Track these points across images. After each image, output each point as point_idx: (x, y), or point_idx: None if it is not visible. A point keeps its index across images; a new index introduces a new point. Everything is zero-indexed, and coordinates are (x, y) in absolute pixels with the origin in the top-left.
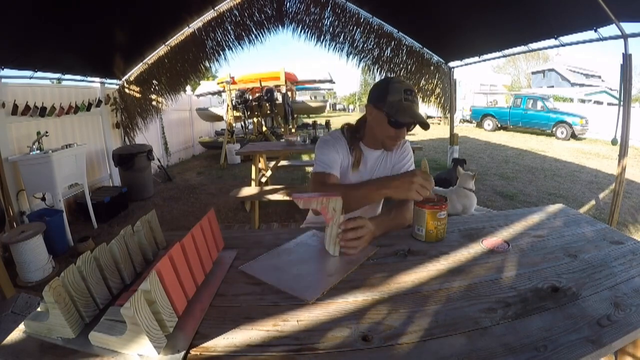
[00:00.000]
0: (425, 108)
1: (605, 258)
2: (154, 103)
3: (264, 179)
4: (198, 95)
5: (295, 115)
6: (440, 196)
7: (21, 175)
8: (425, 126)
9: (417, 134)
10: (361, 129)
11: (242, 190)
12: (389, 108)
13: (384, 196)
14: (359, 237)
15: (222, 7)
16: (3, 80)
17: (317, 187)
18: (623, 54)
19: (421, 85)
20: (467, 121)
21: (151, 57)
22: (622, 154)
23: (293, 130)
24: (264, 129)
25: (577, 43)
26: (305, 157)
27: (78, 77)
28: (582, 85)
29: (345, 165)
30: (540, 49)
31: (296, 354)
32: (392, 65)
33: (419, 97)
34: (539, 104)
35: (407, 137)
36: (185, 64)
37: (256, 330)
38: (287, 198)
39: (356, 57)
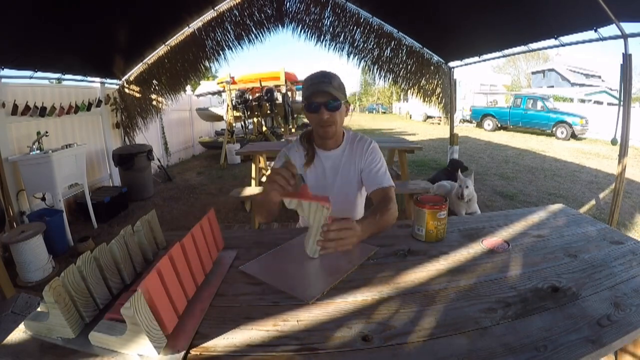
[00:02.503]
0: (426, 108)
1: (605, 258)
2: (154, 103)
3: (264, 178)
4: (198, 95)
5: (295, 115)
6: (440, 196)
7: (21, 175)
8: (331, 103)
9: (418, 134)
10: (312, 135)
11: (242, 190)
12: (303, 100)
13: (266, 196)
14: (341, 239)
15: (222, 6)
16: (3, 80)
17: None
18: (623, 54)
19: (421, 85)
20: (467, 121)
21: (151, 57)
22: (622, 154)
23: (293, 130)
24: (264, 129)
25: (577, 43)
26: None
27: (78, 77)
28: (582, 85)
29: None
30: (540, 49)
31: (296, 354)
32: (392, 65)
33: (335, 79)
34: (539, 104)
35: (408, 137)
36: (185, 64)
37: (256, 330)
38: (286, 198)
39: (356, 56)
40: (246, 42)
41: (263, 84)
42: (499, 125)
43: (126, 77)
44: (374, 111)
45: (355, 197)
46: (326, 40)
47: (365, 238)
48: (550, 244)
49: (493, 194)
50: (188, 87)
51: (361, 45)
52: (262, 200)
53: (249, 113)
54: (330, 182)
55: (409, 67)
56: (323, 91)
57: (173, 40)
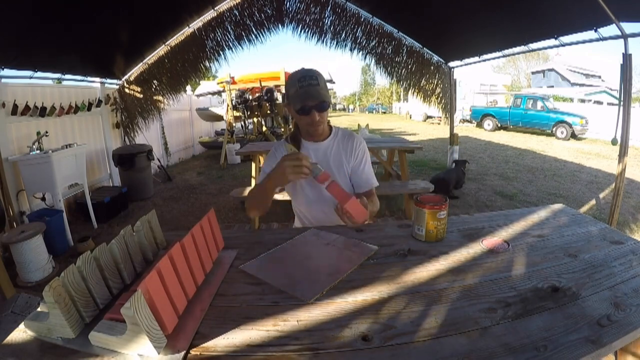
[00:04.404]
0: (426, 108)
1: (605, 258)
2: (154, 103)
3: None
4: (198, 95)
5: None
6: (440, 196)
7: (21, 175)
8: (322, 105)
9: (418, 134)
10: (298, 130)
11: (243, 190)
12: (292, 101)
13: (275, 185)
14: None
15: (222, 6)
16: (3, 80)
17: (251, 194)
18: (623, 54)
19: (421, 85)
20: (467, 121)
21: (151, 57)
22: (622, 153)
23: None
24: (264, 129)
25: (577, 43)
26: None
27: (78, 77)
28: (582, 85)
29: None
30: (540, 49)
31: (296, 354)
32: (392, 65)
33: (320, 78)
34: (539, 104)
35: (408, 137)
36: (185, 64)
37: (256, 330)
38: (287, 198)
39: (360, 52)
40: (246, 42)
41: (263, 84)
42: (499, 125)
43: (126, 77)
44: (374, 111)
45: (344, 187)
46: (327, 39)
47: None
48: (550, 244)
49: (493, 194)
50: (188, 87)
51: (363, 44)
52: (271, 186)
53: (249, 113)
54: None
55: (409, 67)
56: (315, 95)
57: (173, 40)
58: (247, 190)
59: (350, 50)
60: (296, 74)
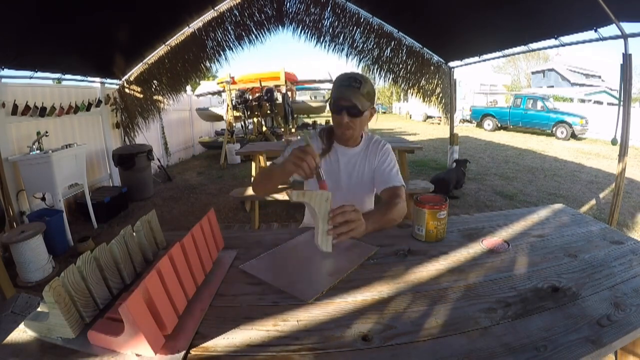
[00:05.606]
0: (426, 108)
1: (605, 258)
2: (154, 103)
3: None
4: (198, 95)
5: (295, 115)
6: (440, 196)
7: (21, 175)
8: (352, 109)
9: (418, 134)
10: (332, 130)
11: (243, 190)
12: (330, 98)
13: (281, 171)
14: (348, 221)
15: (222, 7)
16: (3, 80)
17: (260, 171)
18: (623, 54)
19: (421, 85)
20: (467, 121)
21: (151, 57)
22: (622, 153)
23: (293, 130)
24: (264, 129)
25: (577, 43)
26: None
27: (78, 77)
28: (582, 85)
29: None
30: (540, 49)
31: (296, 354)
32: (391, 65)
33: (364, 84)
34: (539, 104)
35: (408, 137)
36: (185, 64)
37: (256, 330)
38: (287, 198)
39: (356, 57)
40: (246, 42)
41: (263, 84)
42: (499, 125)
43: (126, 77)
44: None
45: (364, 197)
46: (326, 40)
47: (370, 230)
48: (550, 244)
49: (493, 194)
50: (188, 87)
51: (361, 46)
52: (277, 172)
53: (249, 113)
54: (345, 179)
55: (409, 67)
56: (349, 96)
57: (173, 40)
58: (248, 190)
59: (347, 55)
60: (344, 74)
